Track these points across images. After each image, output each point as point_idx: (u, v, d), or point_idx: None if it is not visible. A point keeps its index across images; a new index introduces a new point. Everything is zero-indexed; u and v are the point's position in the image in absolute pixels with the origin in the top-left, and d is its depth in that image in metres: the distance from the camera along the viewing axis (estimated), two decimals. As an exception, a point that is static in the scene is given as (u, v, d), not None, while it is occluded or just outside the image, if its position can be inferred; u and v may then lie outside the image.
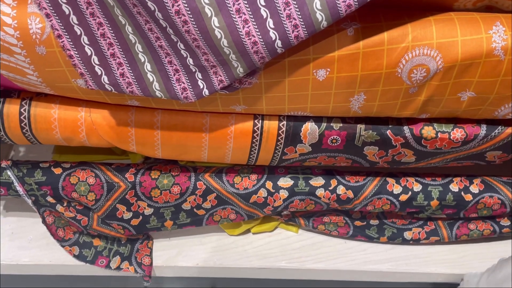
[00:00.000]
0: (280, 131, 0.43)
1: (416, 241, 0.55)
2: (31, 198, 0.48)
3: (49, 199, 0.48)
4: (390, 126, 0.43)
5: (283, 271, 0.53)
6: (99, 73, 0.35)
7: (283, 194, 0.50)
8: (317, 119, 0.43)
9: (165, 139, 0.43)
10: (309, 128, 0.43)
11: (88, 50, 0.35)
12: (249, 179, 0.50)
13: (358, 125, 0.43)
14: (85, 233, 0.52)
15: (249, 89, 0.38)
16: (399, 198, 0.50)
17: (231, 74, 0.35)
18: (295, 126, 0.43)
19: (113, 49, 0.35)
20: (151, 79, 0.36)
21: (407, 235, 0.55)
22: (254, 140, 0.44)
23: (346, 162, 0.47)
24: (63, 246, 0.51)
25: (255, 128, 0.43)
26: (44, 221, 0.50)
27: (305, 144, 0.44)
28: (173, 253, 0.53)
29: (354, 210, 0.52)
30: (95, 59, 0.35)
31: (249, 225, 0.55)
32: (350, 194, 0.50)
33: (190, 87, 0.36)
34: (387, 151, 0.45)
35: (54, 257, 0.52)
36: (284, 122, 0.43)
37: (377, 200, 0.50)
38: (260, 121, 0.43)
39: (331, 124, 0.43)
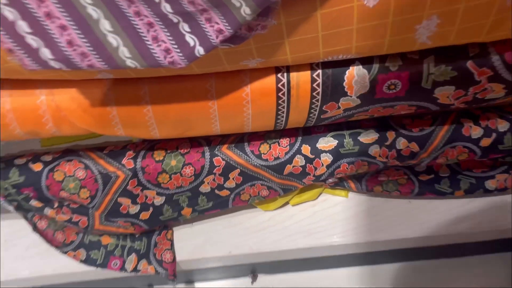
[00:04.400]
0: (314, 84, 0.31)
1: (501, 191, 0.43)
2: (13, 204, 0.39)
3: (34, 203, 0.38)
4: (471, 55, 0.30)
5: (336, 248, 0.43)
6: (35, 45, 0.23)
7: (326, 159, 0.38)
8: (365, 60, 0.31)
9: (160, 115, 0.32)
10: (355, 75, 0.31)
11: (9, 13, 0.22)
12: (279, 145, 0.38)
13: (425, 61, 0.31)
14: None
15: (264, 36, 0.26)
16: (480, 144, 0.38)
17: (233, 19, 0.23)
18: (335, 74, 0.31)
19: (46, 7, 0.22)
20: (114, 44, 0.24)
21: (490, 184, 0.43)
22: (280, 101, 0.32)
23: (408, 110, 0.35)
24: (65, 253, 0.42)
25: (279, 85, 0.31)
26: (35, 229, 0.41)
27: (351, 96, 0.32)
28: (199, 242, 0.44)
29: (421, 165, 0.40)
30: (22, 25, 0.23)
31: (287, 197, 0.44)
32: (415, 147, 0.38)
33: (175, 46, 0.24)
34: (467, 90, 0.32)
35: (59, 264, 0.43)
36: (319, 71, 0.31)
37: (451, 150, 0.38)
38: (285, 74, 0.31)
39: (386, 64, 0.31)
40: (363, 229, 0.43)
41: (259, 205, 0.44)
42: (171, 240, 0.43)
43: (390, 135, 0.38)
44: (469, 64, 0.30)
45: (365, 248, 0.44)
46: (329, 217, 0.44)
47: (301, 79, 0.31)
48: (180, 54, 0.24)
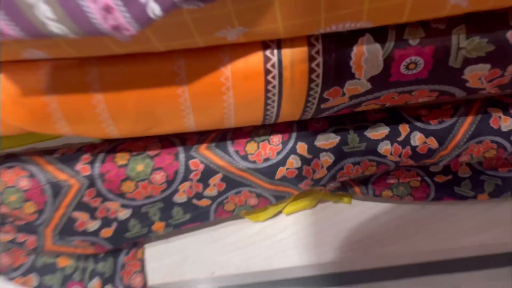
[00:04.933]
0: (313, 64, 0.24)
1: (532, 193, 0.37)
2: None
3: (-32, 220, 0.31)
4: (512, 23, 0.24)
5: (339, 265, 0.36)
6: None
7: (327, 159, 0.31)
8: (378, 32, 0.24)
9: (115, 108, 0.25)
10: (365, 51, 0.24)
11: None
12: (269, 143, 0.31)
13: (453, 32, 0.24)
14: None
15: (245, -8, 0.19)
16: None
17: (200, -39, 0.16)
18: (339, 51, 0.24)
19: None
20: (31, 0, 0.16)
21: (519, 186, 0.36)
22: (269, 87, 0.25)
23: (428, 97, 0.28)
24: (12, 279, 0.35)
25: (268, 66, 0.24)
26: (-28, 251, 0.33)
27: (359, 79, 0.25)
28: (175, 261, 0.36)
29: (439, 164, 0.34)
30: None
31: (280, 206, 0.37)
32: (433, 143, 0.31)
33: (119, 3, 0.17)
34: (505, 69, 0.25)
35: (6, 292, 0.36)
36: (319, 48, 0.24)
37: (476, 146, 0.32)
38: (276, 51, 0.24)
39: (405, 37, 0.24)
40: (370, 241, 0.36)
41: (247, 215, 0.37)
42: (142, 260, 0.36)
43: (403, 128, 0.31)
44: (510, 35, 0.24)
45: (373, 263, 0.37)
46: (330, 228, 0.37)
47: (296, 57, 0.24)
48: (127, 15, 0.17)
